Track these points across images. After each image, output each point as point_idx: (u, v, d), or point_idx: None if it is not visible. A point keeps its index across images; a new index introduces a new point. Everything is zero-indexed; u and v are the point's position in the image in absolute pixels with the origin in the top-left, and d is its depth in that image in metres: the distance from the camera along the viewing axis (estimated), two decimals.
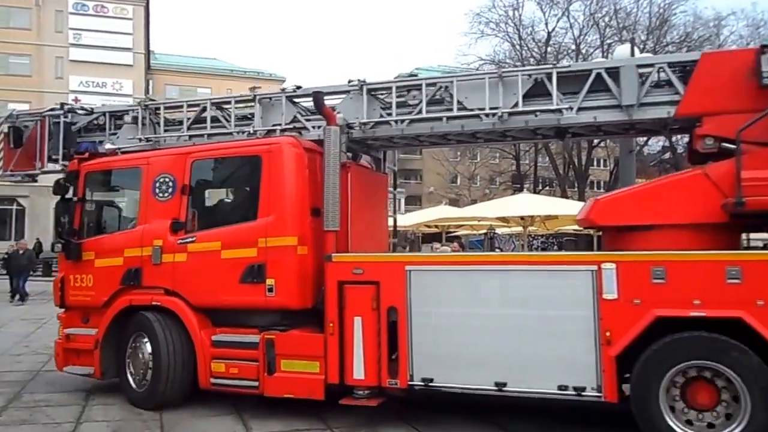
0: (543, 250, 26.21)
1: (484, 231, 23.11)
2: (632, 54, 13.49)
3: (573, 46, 31.73)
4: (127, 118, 7.96)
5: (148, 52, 50.39)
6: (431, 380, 5.75)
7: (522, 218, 17.42)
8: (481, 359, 5.60)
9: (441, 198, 40.25)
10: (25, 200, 39.32)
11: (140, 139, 7.74)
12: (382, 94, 6.98)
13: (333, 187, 6.23)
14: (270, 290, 6.28)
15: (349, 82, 6.95)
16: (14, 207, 40.75)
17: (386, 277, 5.94)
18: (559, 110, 6.19)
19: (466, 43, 72.21)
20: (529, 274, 5.60)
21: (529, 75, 6.38)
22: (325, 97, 6.59)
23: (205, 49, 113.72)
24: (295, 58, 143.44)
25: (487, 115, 6.35)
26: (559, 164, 34.53)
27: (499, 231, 23.94)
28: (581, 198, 31.65)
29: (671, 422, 5.07)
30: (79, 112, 8.38)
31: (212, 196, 7.45)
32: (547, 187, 41.29)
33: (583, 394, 5.29)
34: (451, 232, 24.94)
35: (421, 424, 6.09)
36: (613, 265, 5.28)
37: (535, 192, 32.90)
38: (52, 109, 8.43)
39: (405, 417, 6.25)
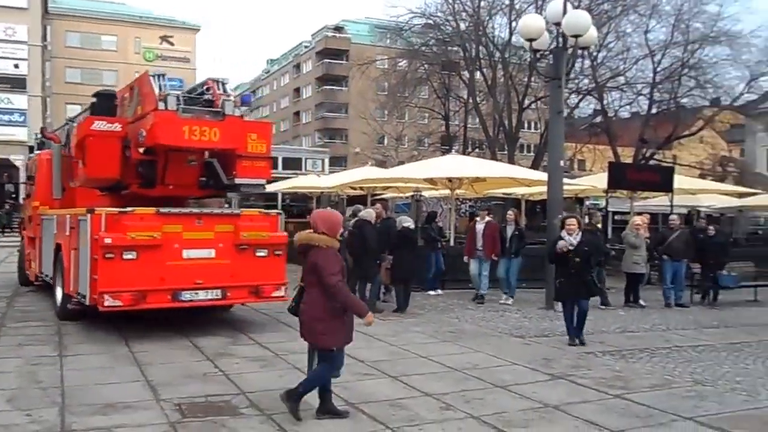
0: (471, 214, 25.13)
1: (411, 194, 21.83)
2: (564, 11, 12.38)
3: (507, 1, 30.33)
4: None
5: None
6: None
7: (450, 180, 16.15)
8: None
9: (367, 159, 38.64)
10: None
11: None
12: None
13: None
14: None
15: None
16: None
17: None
18: None
19: None
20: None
21: None
22: None
23: None
24: (213, 4, 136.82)
25: None
26: (489, 126, 33.46)
27: (426, 194, 22.70)
28: (511, 161, 30.73)
29: None
30: None
31: None
32: (477, 150, 40.27)
33: None
34: (377, 194, 23.61)
35: None
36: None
37: (464, 154, 31.77)
38: None
39: None
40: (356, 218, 11.87)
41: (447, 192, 17.80)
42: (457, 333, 9.47)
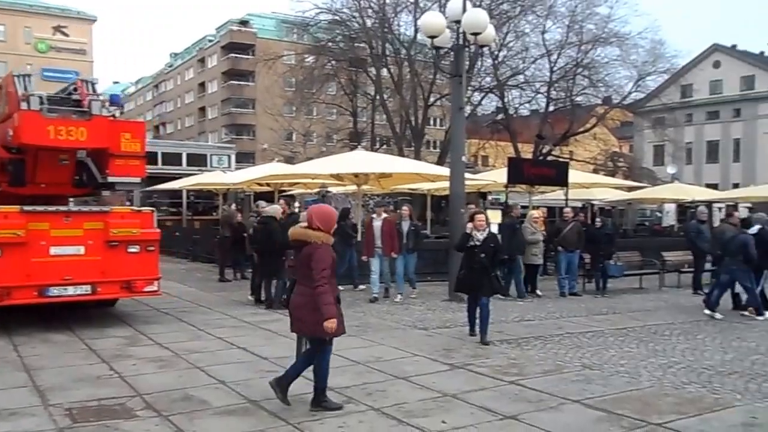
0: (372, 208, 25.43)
1: (317, 190, 21.79)
2: (464, 10, 12.72)
3: None
4: None
5: None
6: None
7: (356, 176, 16.24)
8: None
9: (275, 155, 38.23)
10: None
11: None
12: None
13: None
14: None
15: None
16: None
17: None
18: None
19: None
20: None
21: None
22: None
23: None
24: None
25: None
26: (396, 122, 33.87)
27: (333, 190, 22.74)
28: (417, 157, 31.22)
29: None
30: None
31: None
32: (385, 146, 40.67)
33: None
34: (284, 191, 23.43)
35: None
36: None
37: (372, 150, 32.00)
38: None
39: None
40: (259, 214, 11.79)
41: (354, 188, 17.90)
42: (362, 327, 9.57)
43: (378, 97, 34.41)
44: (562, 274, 13.57)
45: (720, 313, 11.02)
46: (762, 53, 57.35)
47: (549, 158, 31.17)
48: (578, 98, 33.35)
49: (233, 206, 19.83)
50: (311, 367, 5.65)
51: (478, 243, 8.54)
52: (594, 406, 5.80)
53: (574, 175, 19.15)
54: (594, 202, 25.98)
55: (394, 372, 6.89)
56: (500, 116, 35.36)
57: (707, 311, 11.12)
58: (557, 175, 17.04)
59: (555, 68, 32.36)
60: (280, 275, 11.26)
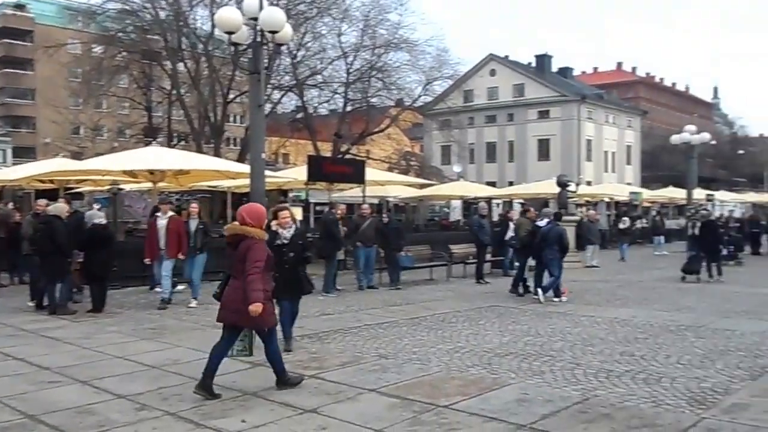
0: (178, 206, 24.39)
1: (108, 187, 20.42)
2: (261, 7, 12.70)
3: None
4: None
5: None
6: None
7: (152, 173, 15.50)
8: None
9: (60, 150, 35.10)
10: None
11: None
12: None
13: None
14: None
15: None
16: None
17: None
18: None
19: None
20: None
21: None
22: None
23: None
24: None
25: None
26: (195, 118, 32.73)
27: (127, 187, 21.46)
28: (217, 153, 30.46)
29: None
30: None
31: None
32: (183, 142, 39.10)
33: None
34: (71, 188, 21.66)
35: None
36: None
37: (169, 146, 30.61)
38: None
39: None
40: (39, 214, 10.85)
41: (149, 185, 17.07)
42: (158, 329, 9.21)
43: (174, 92, 32.99)
44: (360, 269, 14.07)
45: (497, 295, 12.16)
46: (530, 64, 64.08)
47: (347, 157, 32.03)
48: (373, 99, 34.65)
49: (10, 205, 17.92)
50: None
51: (285, 241, 7.85)
52: (388, 393, 6.12)
53: (371, 173, 19.93)
54: (389, 199, 27.20)
55: (191, 374, 6.68)
56: (300, 115, 35.66)
57: (552, 298, 12.28)
58: (355, 173, 17.61)
59: (351, 70, 33.33)
60: (63, 278, 10.46)
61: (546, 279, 12.58)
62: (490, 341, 8.67)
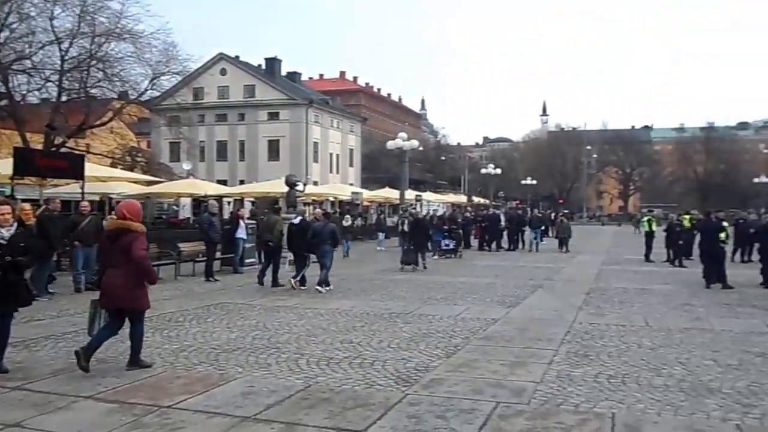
0: None
1: None
2: None
3: None
4: None
5: None
6: None
7: None
8: None
9: None
10: None
11: None
12: None
13: None
14: None
15: None
16: None
17: None
18: None
19: None
20: None
21: None
22: None
23: None
24: None
25: None
26: None
27: None
28: None
29: None
30: None
31: None
32: None
33: None
34: None
35: None
36: None
37: None
38: None
39: None
40: None
41: None
42: None
43: None
44: (78, 270, 13.04)
45: (228, 292, 12.18)
46: (260, 66, 64.83)
47: (63, 150, 29.25)
48: (93, 90, 32.06)
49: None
50: None
51: (3, 242, 6.64)
52: (107, 399, 5.84)
53: (91, 169, 18.58)
54: (112, 196, 25.55)
55: None
56: (4, 102, 31.63)
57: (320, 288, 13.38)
58: (72, 168, 16.33)
59: (67, 57, 30.44)
60: None
61: (306, 271, 13.95)
62: (218, 338, 8.70)
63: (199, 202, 32.99)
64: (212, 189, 32.05)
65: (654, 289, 14.61)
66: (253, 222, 19.80)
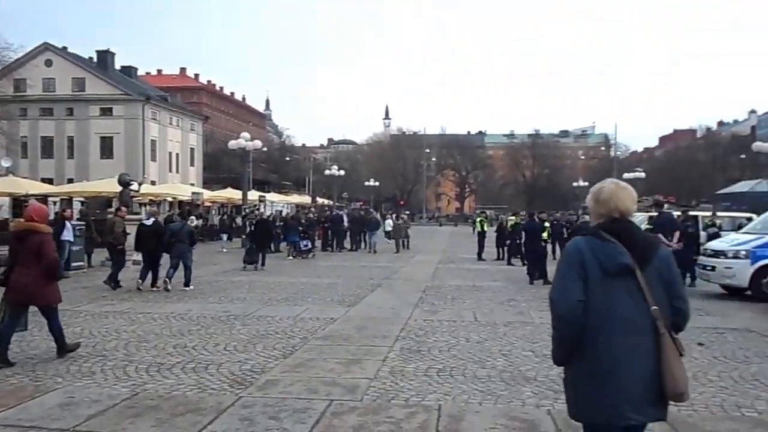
0: None
1: None
2: None
3: None
4: None
5: None
6: None
7: None
8: None
9: None
10: None
11: None
12: None
13: None
14: None
15: None
16: None
17: None
18: None
19: None
20: None
21: None
22: None
23: None
24: None
25: None
26: None
27: None
28: None
29: None
30: None
31: None
32: None
33: None
34: None
35: None
36: None
37: None
38: None
39: None
40: None
41: None
42: None
43: None
44: None
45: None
46: (91, 59, 60.80)
47: None
48: None
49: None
50: None
51: None
52: None
53: None
54: None
55: None
56: None
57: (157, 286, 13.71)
58: None
59: None
60: None
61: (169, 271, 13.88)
62: (36, 347, 8.07)
63: (20, 202, 30.39)
64: (35, 188, 29.64)
65: (484, 286, 15.50)
66: (83, 223, 18.55)
